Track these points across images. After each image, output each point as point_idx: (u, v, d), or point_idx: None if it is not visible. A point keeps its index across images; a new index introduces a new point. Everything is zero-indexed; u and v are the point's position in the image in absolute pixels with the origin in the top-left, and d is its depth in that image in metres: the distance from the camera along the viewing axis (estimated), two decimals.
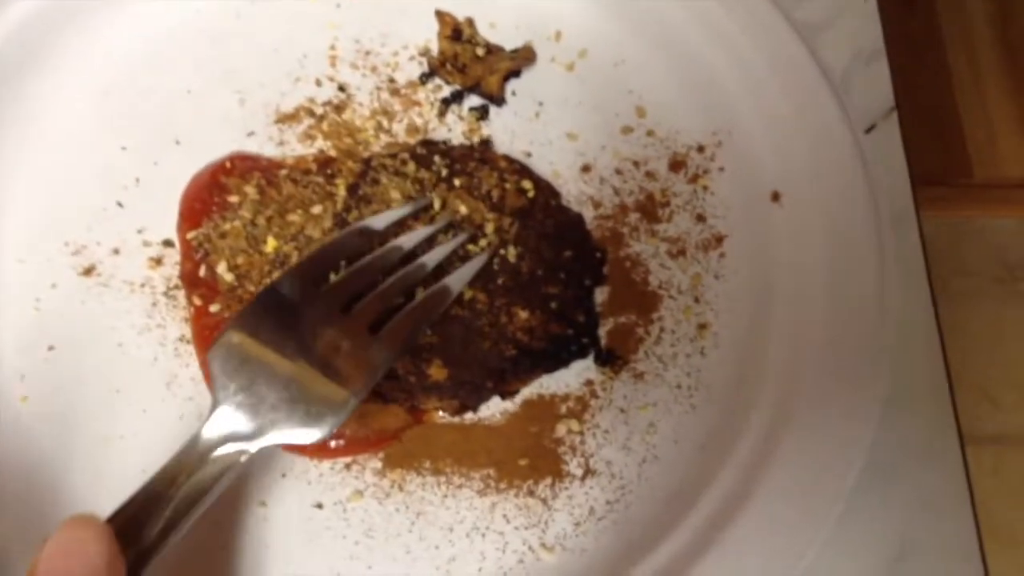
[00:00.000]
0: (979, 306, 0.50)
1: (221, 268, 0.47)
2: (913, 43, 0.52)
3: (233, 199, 0.49)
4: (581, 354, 0.47)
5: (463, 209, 0.48)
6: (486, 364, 0.45)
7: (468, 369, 0.45)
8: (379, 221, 0.46)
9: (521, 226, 0.49)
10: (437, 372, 0.45)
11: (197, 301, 0.47)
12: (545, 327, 0.46)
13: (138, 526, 0.34)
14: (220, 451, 0.37)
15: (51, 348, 0.46)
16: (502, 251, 0.48)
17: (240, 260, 0.48)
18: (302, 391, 0.39)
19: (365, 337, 0.42)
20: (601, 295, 0.49)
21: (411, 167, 0.49)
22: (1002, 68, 0.62)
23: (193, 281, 0.48)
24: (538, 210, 0.50)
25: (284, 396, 0.39)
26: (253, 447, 0.38)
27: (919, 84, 0.52)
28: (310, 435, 0.39)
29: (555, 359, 0.47)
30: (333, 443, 0.45)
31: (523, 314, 0.46)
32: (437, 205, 0.48)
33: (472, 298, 0.46)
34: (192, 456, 0.37)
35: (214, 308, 0.47)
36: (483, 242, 0.48)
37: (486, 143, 0.52)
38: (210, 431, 0.38)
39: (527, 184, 0.50)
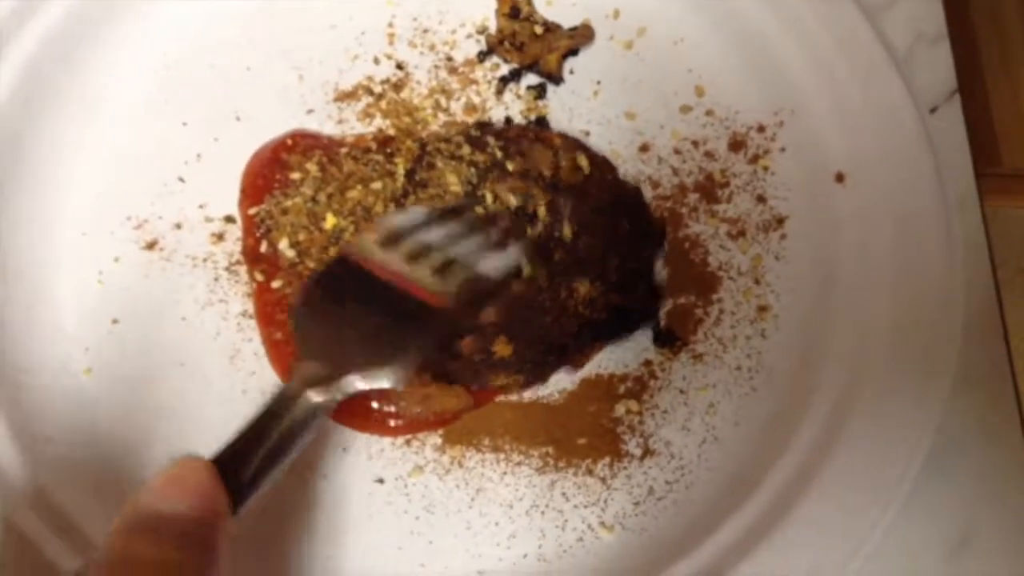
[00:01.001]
0: (1006, 298, 0.49)
1: (283, 244, 0.47)
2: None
3: (295, 176, 0.49)
4: (643, 323, 0.47)
5: (513, 201, 0.48)
6: (549, 338, 0.45)
7: (532, 345, 0.45)
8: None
9: (576, 202, 0.48)
10: (502, 349, 0.45)
11: (259, 277, 0.48)
12: (606, 298, 0.46)
13: (235, 469, 0.35)
14: (306, 399, 0.39)
15: (115, 321, 0.46)
16: (557, 233, 0.47)
17: (301, 236, 0.48)
18: (373, 346, 0.41)
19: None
20: (660, 275, 0.49)
21: (466, 150, 0.49)
22: None
23: (255, 257, 0.48)
24: (593, 186, 0.50)
25: (356, 350, 0.41)
26: (337, 394, 0.39)
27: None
28: (382, 383, 0.40)
29: (617, 329, 0.46)
30: (393, 422, 0.45)
31: (583, 287, 0.46)
32: (489, 199, 0.48)
33: (532, 276, 0.46)
34: (281, 404, 0.38)
35: (276, 284, 0.47)
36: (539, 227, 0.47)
37: (542, 121, 0.52)
38: (297, 381, 0.39)
39: (582, 160, 0.50)
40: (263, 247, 0.48)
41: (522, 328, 0.45)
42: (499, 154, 0.49)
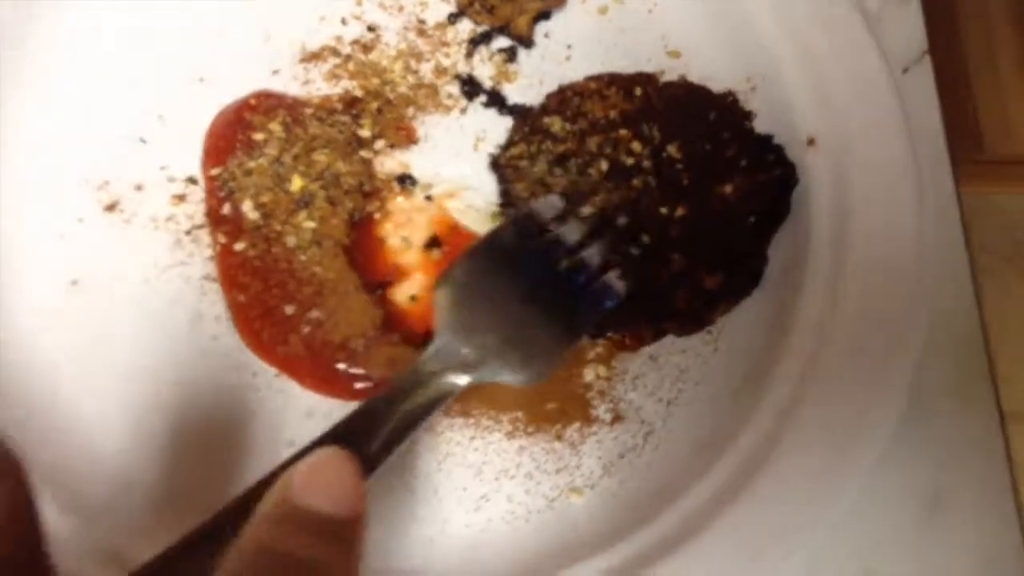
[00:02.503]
0: (987, 284, 0.49)
1: (246, 206, 0.46)
2: (925, 16, 0.51)
3: (258, 137, 0.48)
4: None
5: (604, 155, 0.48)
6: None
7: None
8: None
9: (661, 122, 0.49)
10: (712, 280, 0.46)
11: (222, 239, 0.47)
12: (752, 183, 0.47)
13: (359, 442, 0.35)
14: (448, 381, 0.39)
15: (74, 283, 0.45)
16: (664, 154, 0.48)
17: (265, 198, 0.47)
18: (517, 336, 0.41)
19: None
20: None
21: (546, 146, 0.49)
22: (1017, 43, 0.61)
23: (217, 219, 0.47)
24: (656, 99, 0.50)
25: (501, 337, 0.41)
26: (465, 380, 0.40)
27: (932, 58, 0.51)
28: (519, 378, 0.41)
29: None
30: (361, 384, 0.44)
31: (727, 187, 0.47)
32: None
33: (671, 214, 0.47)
34: (410, 381, 0.39)
35: (239, 246, 0.46)
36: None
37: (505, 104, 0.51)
38: (428, 359, 0.40)
39: (633, 88, 0.50)
40: (226, 209, 0.47)
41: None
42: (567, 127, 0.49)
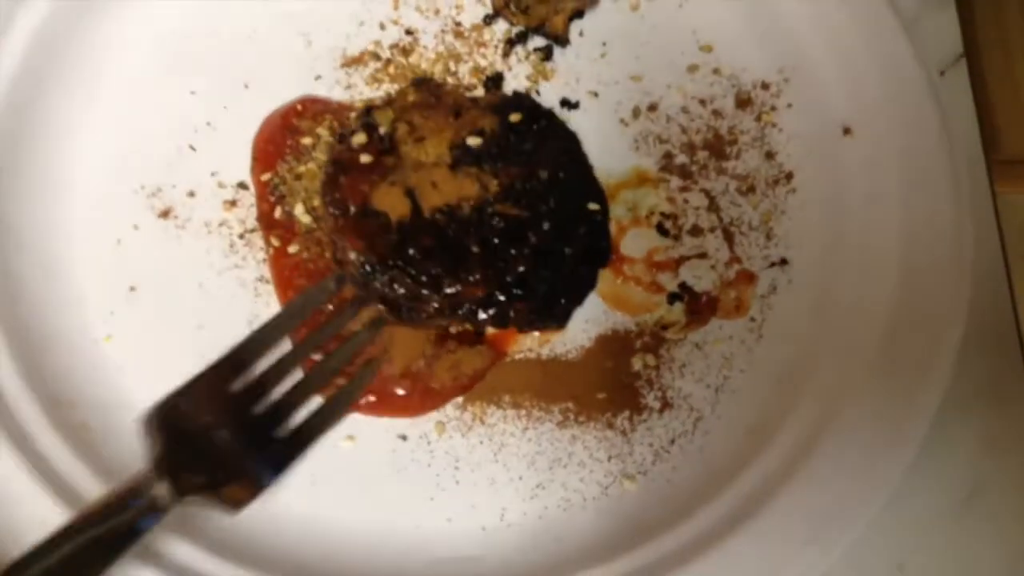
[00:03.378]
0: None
1: (298, 210, 0.48)
2: None
3: (306, 141, 0.49)
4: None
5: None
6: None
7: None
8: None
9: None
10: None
11: (275, 242, 0.48)
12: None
13: None
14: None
15: (132, 289, 0.46)
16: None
17: (316, 202, 0.48)
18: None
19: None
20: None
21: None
22: None
23: (269, 223, 0.48)
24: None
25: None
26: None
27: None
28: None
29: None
30: (421, 399, 0.45)
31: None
32: None
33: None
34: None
35: (292, 249, 0.47)
36: None
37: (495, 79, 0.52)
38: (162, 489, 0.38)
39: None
40: (277, 213, 0.48)
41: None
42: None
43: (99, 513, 0.36)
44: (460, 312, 0.45)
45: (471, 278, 0.45)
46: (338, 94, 0.52)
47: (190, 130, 0.50)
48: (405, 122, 0.48)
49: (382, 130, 0.48)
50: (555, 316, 0.46)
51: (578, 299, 0.47)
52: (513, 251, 0.46)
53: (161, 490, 0.37)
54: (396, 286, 0.44)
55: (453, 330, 0.45)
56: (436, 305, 0.44)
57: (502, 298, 0.45)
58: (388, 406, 0.45)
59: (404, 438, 0.44)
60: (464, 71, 0.53)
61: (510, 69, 0.53)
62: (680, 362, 0.47)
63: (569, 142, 0.51)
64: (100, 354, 0.45)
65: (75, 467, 0.40)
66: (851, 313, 0.46)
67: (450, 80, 0.52)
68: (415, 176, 0.47)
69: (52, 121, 0.48)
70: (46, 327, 0.44)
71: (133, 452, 0.42)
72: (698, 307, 0.48)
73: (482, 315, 0.45)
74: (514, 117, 0.49)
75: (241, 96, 0.51)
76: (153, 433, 0.39)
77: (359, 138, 0.47)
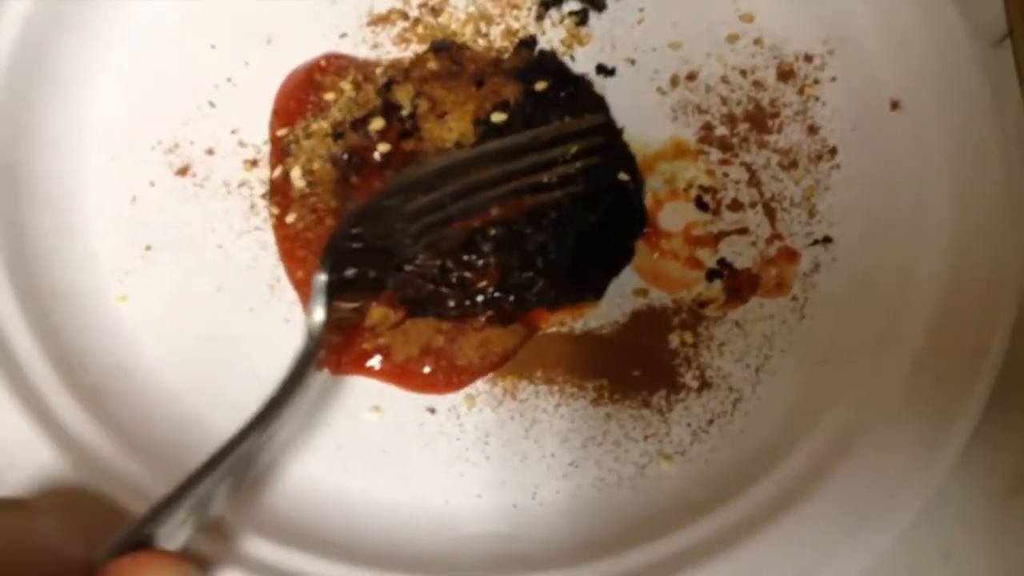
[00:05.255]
0: None
1: (295, 173, 0.45)
2: None
3: (329, 96, 0.47)
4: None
5: None
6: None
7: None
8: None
9: None
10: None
11: (275, 210, 0.45)
12: None
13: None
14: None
15: (148, 248, 0.44)
16: None
17: (316, 165, 0.45)
18: None
19: None
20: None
21: None
22: None
23: (272, 187, 0.46)
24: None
25: None
26: None
27: None
28: None
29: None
30: (455, 377, 0.43)
31: None
32: None
33: None
34: None
35: (290, 218, 0.45)
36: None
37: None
38: None
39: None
40: (275, 173, 0.45)
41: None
42: None
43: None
44: (480, 301, 0.43)
45: (480, 263, 0.42)
46: (363, 53, 0.49)
47: (210, 86, 0.48)
48: (426, 96, 0.46)
49: (403, 111, 0.45)
50: (588, 288, 0.44)
51: (613, 270, 0.45)
52: (529, 229, 0.43)
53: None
54: (409, 288, 0.42)
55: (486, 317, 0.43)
56: (453, 301, 0.42)
57: (521, 278, 0.43)
58: (414, 382, 0.43)
59: (432, 411, 0.42)
60: (496, 34, 0.51)
61: (544, 33, 0.51)
62: (719, 340, 0.45)
63: (598, 110, 0.48)
64: (115, 314, 0.42)
65: (88, 428, 0.38)
66: (898, 292, 0.44)
67: (481, 42, 0.50)
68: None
69: (68, 71, 0.46)
70: (59, 285, 0.42)
71: (147, 416, 0.40)
72: (738, 284, 0.46)
73: (504, 300, 0.43)
74: (539, 85, 0.47)
75: (263, 52, 0.49)
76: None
77: (376, 124, 0.45)
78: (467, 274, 0.42)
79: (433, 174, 0.42)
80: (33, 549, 0.29)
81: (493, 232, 0.43)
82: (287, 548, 0.37)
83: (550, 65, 0.49)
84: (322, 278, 0.39)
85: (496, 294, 0.43)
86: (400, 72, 0.47)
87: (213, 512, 0.35)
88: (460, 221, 0.43)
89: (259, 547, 0.37)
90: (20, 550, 0.29)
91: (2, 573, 0.27)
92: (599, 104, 0.49)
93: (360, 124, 0.45)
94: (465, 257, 0.42)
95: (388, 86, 0.46)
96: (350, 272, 0.40)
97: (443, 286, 0.42)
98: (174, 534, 0.32)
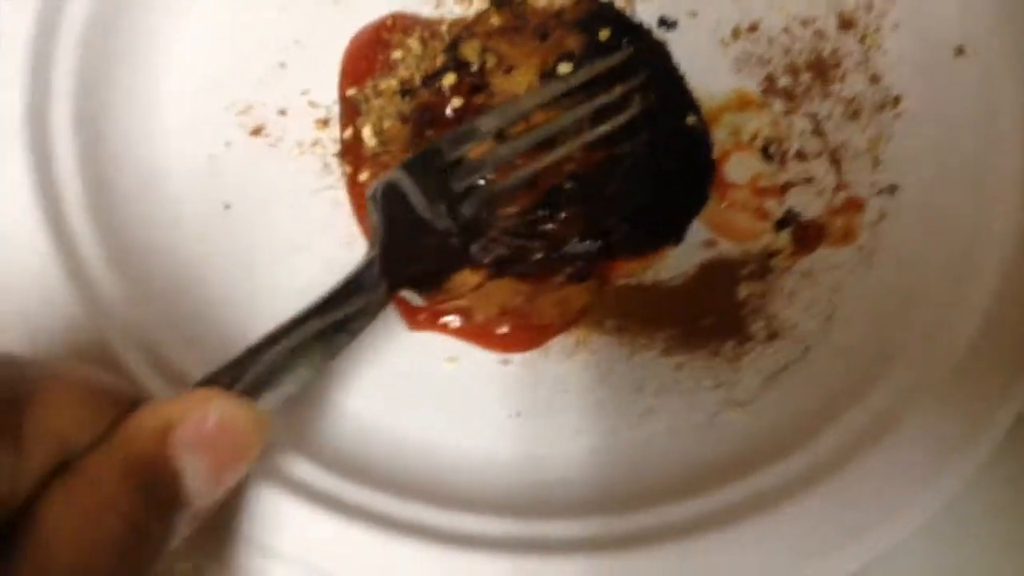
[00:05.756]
0: None
1: (366, 132, 0.46)
2: None
3: (396, 55, 0.47)
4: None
5: None
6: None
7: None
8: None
9: None
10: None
11: (347, 168, 0.46)
12: None
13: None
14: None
15: (227, 206, 0.45)
16: None
17: (387, 124, 0.46)
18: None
19: None
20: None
21: None
22: None
23: (345, 146, 0.46)
24: None
25: None
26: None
27: None
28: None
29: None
30: (526, 335, 0.44)
31: None
32: None
33: None
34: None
35: (363, 177, 0.46)
36: None
37: None
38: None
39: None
40: (347, 134, 0.46)
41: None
42: None
43: (321, 308, 0.37)
44: (566, 251, 0.43)
45: (563, 214, 0.43)
46: (427, 12, 0.50)
47: (279, 48, 0.49)
48: (492, 51, 0.47)
49: (473, 67, 0.46)
50: (669, 232, 0.45)
51: (690, 212, 0.45)
52: (605, 176, 0.44)
53: (379, 290, 0.38)
54: (494, 244, 0.43)
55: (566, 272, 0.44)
56: (541, 254, 0.43)
57: (605, 225, 0.44)
58: (493, 341, 0.44)
59: (506, 362, 0.43)
60: None
61: None
62: (788, 291, 0.45)
63: (659, 55, 0.49)
64: (197, 276, 0.44)
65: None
66: (966, 240, 0.44)
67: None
68: None
69: (142, 34, 0.47)
70: (144, 242, 0.43)
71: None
72: (805, 234, 0.47)
73: (591, 248, 0.44)
74: (603, 35, 0.48)
75: (330, 13, 0.49)
76: (377, 217, 0.40)
77: (449, 79, 0.46)
78: (551, 227, 0.43)
79: (500, 122, 0.44)
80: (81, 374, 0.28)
81: (569, 186, 0.43)
82: (340, 478, 0.38)
83: (610, 14, 0.49)
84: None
85: (583, 243, 0.43)
86: (465, 29, 0.48)
87: (284, 394, 0.34)
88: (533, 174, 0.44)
89: (310, 472, 0.38)
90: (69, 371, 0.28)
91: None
92: (660, 49, 0.49)
93: (431, 80, 0.46)
94: (548, 211, 0.43)
95: (455, 43, 0.47)
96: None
97: (529, 239, 0.43)
98: None
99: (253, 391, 0.33)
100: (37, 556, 0.24)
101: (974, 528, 0.42)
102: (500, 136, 0.45)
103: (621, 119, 0.46)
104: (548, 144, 0.45)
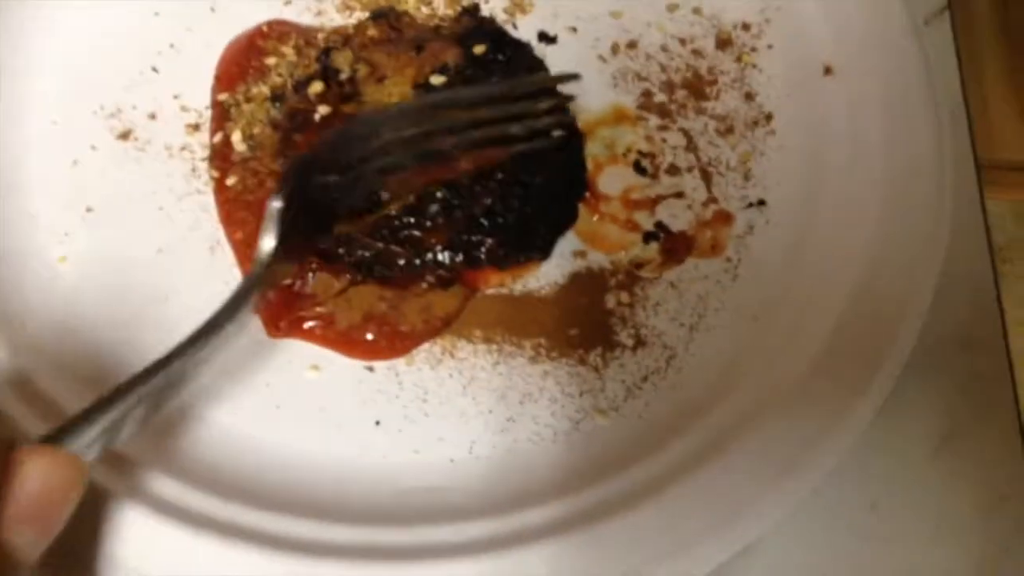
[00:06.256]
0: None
1: (235, 137, 0.46)
2: None
3: (270, 61, 0.47)
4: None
5: None
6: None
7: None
8: None
9: None
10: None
11: (214, 173, 0.46)
12: None
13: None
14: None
15: (89, 210, 0.44)
16: None
17: (257, 129, 0.46)
18: None
19: None
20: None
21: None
22: (1002, 52, 0.62)
23: (213, 151, 0.46)
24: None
25: None
26: None
27: None
28: None
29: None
30: (397, 343, 0.44)
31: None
32: None
33: None
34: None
35: (230, 181, 0.45)
36: None
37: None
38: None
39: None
40: (217, 138, 0.46)
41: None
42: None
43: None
44: (430, 259, 0.43)
45: (429, 222, 0.43)
46: (307, 20, 0.50)
47: (153, 52, 0.48)
48: (365, 62, 0.47)
49: (343, 75, 0.46)
50: (536, 247, 0.45)
51: (559, 228, 0.46)
52: (477, 187, 0.44)
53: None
54: (358, 249, 0.42)
55: (428, 280, 0.44)
56: (403, 260, 0.43)
57: (470, 237, 0.44)
58: (356, 349, 0.44)
59: (371, 369, 0.43)
60: (439, 1, 0.51)
61: (487, 1, 0.51)
62: (654, 300, 0.46)
63: (536, 70, 0.50)
64: (55, 275, 0.43)
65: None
66: (828, 254, 0.46)
67: (425, 10, 0.51)
68: None
69: (9, 33, 0.46)
70: (2, 246, 0.42)
71: (86, 376, 0.41)
72: (674, 246, 0.47)
73: (454, 258, 0.44)
74: (478, 49, 0.48)
75: (207, 19, 0.49)
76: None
77: (316, 87, 0.46)
78: (417, 233, 0.43)
79: (394, 116, 0.44)
80: None
81: (440, 194, 0.43)
82: (207, 494, 0.37)
83: (489, 30, 0.49)
84: (276, 204, 0.39)
85: (446, 253, 0.43)
86: (340, 39, 0.48)
87: (122, 438, 0.34)
88: (416, 169, 0.44)
89: (173, 488, 0.38)
90: None
91: None
92: (539, 67, 0.49)
93: (300, 87, 0.46)
94: (414, 217, 0.43)
95: (327, 52, 0.47)
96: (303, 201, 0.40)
97: (393, 244, 0.43)
98: (82, 454, 0.32)
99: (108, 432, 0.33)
100: None
101: (822, 531, 0.42)
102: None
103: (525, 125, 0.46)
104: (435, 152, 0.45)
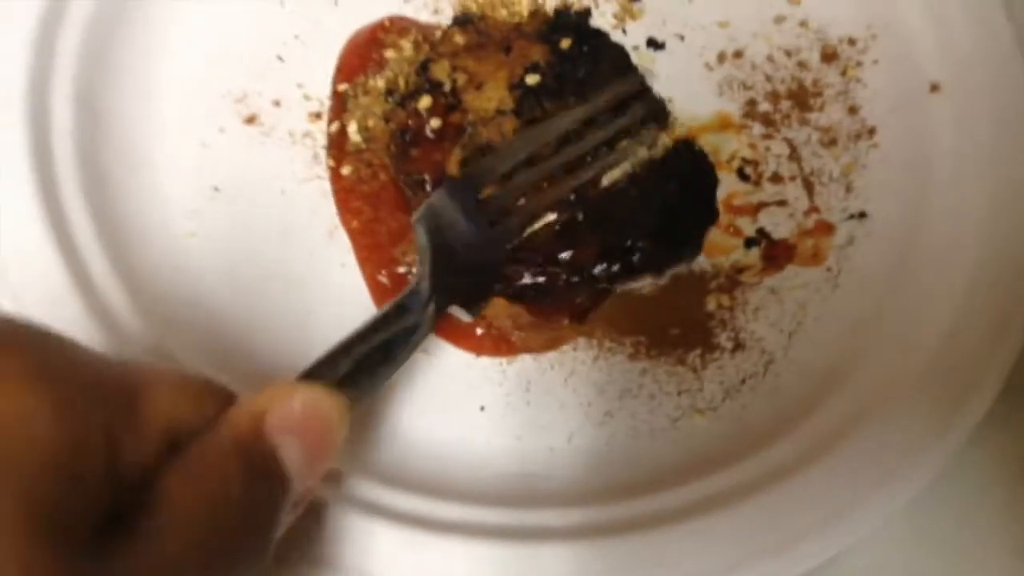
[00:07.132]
0: None
1: (351, 128, 0.47)
2: None
3: (389, 54, 0.49)
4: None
5: None
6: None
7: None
8: None
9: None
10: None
11: (331, 162, 0.47)
12: None
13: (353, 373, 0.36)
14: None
15: (216, 189, 0.46)
16: None
17: (371, 122, 0.48)
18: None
19: None
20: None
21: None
22: None
23: (330, 140, 0.48)
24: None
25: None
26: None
27: None
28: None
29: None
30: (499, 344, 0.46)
31: None
32: None
33: None
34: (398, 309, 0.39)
35: (345, 171, 0.47)
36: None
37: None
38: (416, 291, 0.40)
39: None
40: (333, 127, 0.47)
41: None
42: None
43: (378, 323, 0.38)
44: (587, 275, 0.45)
45: (579, 244, 0.45)
46: (425, 17, 0.52)
47: (278, 42, 0.50)
48: (461, 70, 0.48)
49: (445, 87, 0.47)
50: (687, 244, 0.46)
51: (704, 224, 0.47)
52: (611, 203, 0.46)
53: (429, 311, 0.39)
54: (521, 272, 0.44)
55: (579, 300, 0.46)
56: (564, 278, 0.44)
57: (624, 246, 0.45)
58: (464, 340, 0.45)
59: (478, 356, 0.44)
60: (551, 3, 0.53)
61: (597, 6, 0.53)
62: (754, 305, 0.46)
63: (620, 58, 0.51)
64: (184, 250, 0.45)
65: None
66: (931, 269, 0.46)
67: (503, 12, 0.52)
68: (485, 131, 0.46)
69: (146, 18, 0.48)
70: (133, 221, 0.44)
71: (210, 350, 0.43)
72: (775, 253, 0.48)
73: (611, 269, 0.45)
74: (564, 43, 0.49)
75: (330, 12, 0.51)
76: (425, 240, 0.41)
77: (424, 102, 0.47)
78: (568, 255, 0.44)
79: (504, 163, 0.45)
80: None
81: (581, 217, 0.45)
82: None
83: (569, 23, 0.50)
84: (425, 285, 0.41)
85: (603, 265, 0.45)
86: (432, 50, 0.49)
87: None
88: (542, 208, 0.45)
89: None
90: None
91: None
92: (620, 53, 0.50)
93: (408, 101, 0.47)
94: (564, 244, 0.45)
95: (425, 66, 0.48)
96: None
97: (553, 266, 0.44)
98: None
99: None
100: (165, 526, 0.26)
101: (924, 534, 0.43)
102: (528, 162, 0.46)
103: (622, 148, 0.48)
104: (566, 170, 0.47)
